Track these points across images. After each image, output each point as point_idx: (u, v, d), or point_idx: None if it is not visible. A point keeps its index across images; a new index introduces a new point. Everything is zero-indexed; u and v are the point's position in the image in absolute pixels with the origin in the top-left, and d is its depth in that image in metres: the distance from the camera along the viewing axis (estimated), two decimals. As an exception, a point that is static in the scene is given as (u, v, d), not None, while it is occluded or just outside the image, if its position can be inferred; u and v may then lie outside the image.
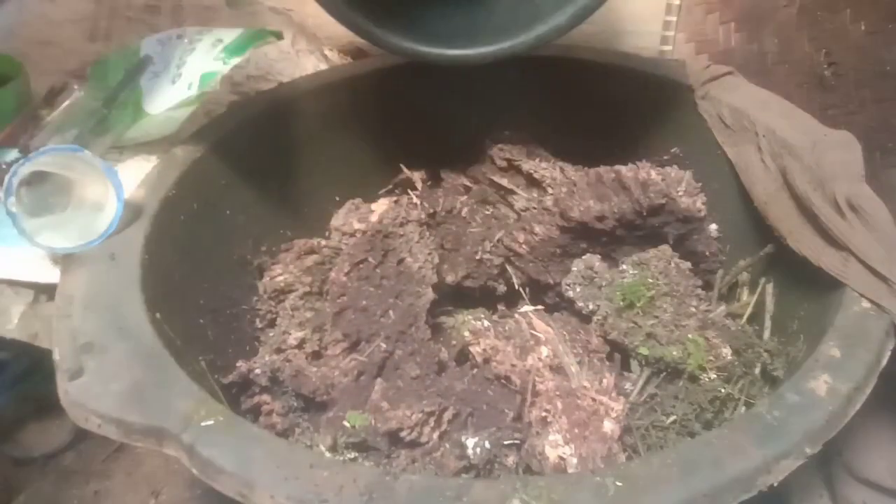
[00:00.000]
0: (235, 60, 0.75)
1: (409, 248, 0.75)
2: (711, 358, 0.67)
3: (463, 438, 0.58)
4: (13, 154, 0.78)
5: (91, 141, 0.85)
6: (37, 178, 0.64)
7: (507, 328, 0.77)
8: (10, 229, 0.63)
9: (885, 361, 0.52)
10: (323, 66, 0.99)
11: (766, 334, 0.72)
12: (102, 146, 0.82)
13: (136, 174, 0.74)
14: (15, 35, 0.95)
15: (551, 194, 0.79)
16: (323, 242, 0.85)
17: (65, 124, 0.85)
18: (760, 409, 0.48)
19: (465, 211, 0.84)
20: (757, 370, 0.67)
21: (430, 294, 0.72)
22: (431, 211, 0.82)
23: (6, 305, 0.72)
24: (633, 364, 0.71)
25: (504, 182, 0.81)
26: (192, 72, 0.78)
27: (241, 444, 0.46)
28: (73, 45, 0.96)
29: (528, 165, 0.82)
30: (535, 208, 0.81)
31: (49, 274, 0.79)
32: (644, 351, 0.69)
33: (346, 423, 0.62)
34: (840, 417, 0.47)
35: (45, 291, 0.80)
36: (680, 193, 0.77)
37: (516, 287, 0.85)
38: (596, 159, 0.89)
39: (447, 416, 0.61)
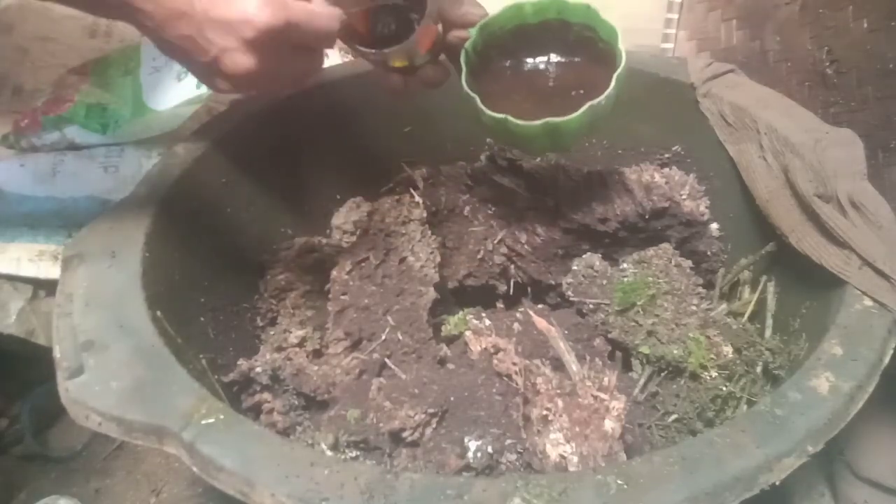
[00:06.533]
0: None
1: (410, 246, 0.75)
2: (713, 356, 0.67)
3: (465, 440, 0.58)
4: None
5: (90, 137, 0.85)
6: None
7: (508, 327, 0.77)
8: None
9: (887, 360, 0.51)
10: (323, 64, 0.99)
11: (768, 332, 0.72)
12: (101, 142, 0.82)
13: (137, 172, 0.74)
14: (16, 30, 0.95)
15: (553, 195, 0.79)
16: (324, 241, 0.85)
17: (64, 120, 0.85)
18: (762, 408, 0.47)
19: (466, 210, 0.84)
20: (758, 368, 0.67)
21: (431, 293, 0.72)
22: (433, 209, 0.82)
23: (5, 301, 0.73)
24: (635, 363, 0.71)
25: (505, 182, 0.81)
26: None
27: (242, 442, 0.46)
28: (73, 41, 0.96)
29: (529, 165, 0.82)
30: (536, 209, 0.81)
31: (48, 270, 0.79)
32: (645, 349, 0.69)
33: (348, 419, 0.62)
34: (842, 416, 0.47)
35: (44, 287, 0.80)
36: (683, 197, 0.77)
37: (518, 287, 0.85)
38: (597, 159, 0.89)
39: (449, 415, 0.61)
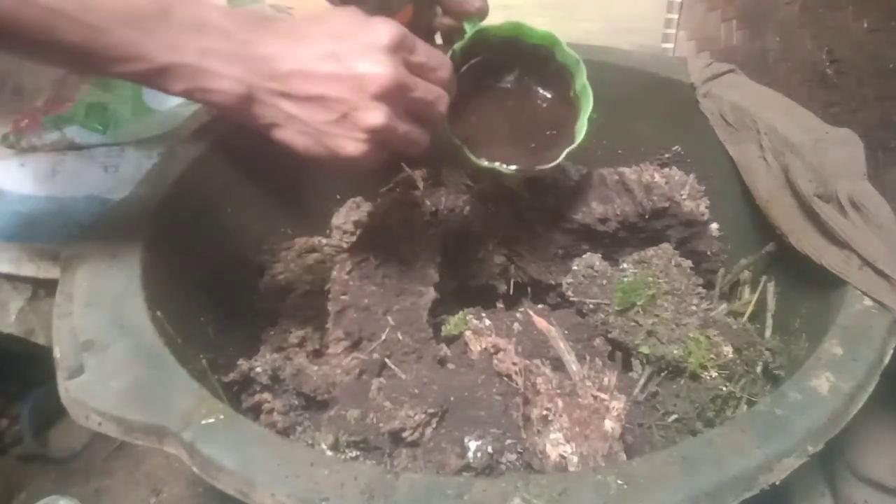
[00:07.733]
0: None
1: (410, 246, 0.74)
2: (713, 356, 0.67)
3: (465, 440, 0.58)
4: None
5: (90, 137, 0.85)
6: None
7: (508, 327, 0.77)
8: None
9: (887, 360, 0.52)
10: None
11: (768, 333, 0.72)
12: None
13: (137, 172, 0.74)
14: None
15: (553, 195, 0.79)
16: (324, 241, 0.85)
17: (64, 120, 0.85)
18: (762, 408, 0.47)
19: (466, 210, 0.84)
20: (759, 368, 0.67)
21: (431, 293, 0.72)
22: (433, 209, 0.82)
23: (4, 300, 0.72)
24: (635, 363, 0.71)
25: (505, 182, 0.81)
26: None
27: (242, 442, 0.46)
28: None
29: (528, 164, 0.82)
30: (536, 209, 0.81)
31: (48, 270, 0.79)
32: (645, 349, 0.69)
33: (348, 419, 0.62)
34: (842, 416, 0.47)
35: (44, 287, 0.80)
36: (683, 197, 0.77)
37: (518, 287, 0.84)
38: (597, 158, 0.89)
39: (449, 415, 0.61)
